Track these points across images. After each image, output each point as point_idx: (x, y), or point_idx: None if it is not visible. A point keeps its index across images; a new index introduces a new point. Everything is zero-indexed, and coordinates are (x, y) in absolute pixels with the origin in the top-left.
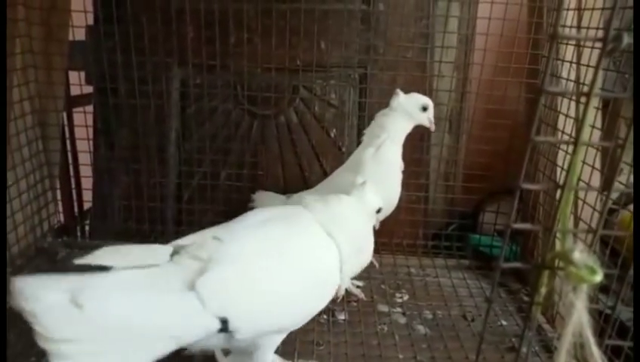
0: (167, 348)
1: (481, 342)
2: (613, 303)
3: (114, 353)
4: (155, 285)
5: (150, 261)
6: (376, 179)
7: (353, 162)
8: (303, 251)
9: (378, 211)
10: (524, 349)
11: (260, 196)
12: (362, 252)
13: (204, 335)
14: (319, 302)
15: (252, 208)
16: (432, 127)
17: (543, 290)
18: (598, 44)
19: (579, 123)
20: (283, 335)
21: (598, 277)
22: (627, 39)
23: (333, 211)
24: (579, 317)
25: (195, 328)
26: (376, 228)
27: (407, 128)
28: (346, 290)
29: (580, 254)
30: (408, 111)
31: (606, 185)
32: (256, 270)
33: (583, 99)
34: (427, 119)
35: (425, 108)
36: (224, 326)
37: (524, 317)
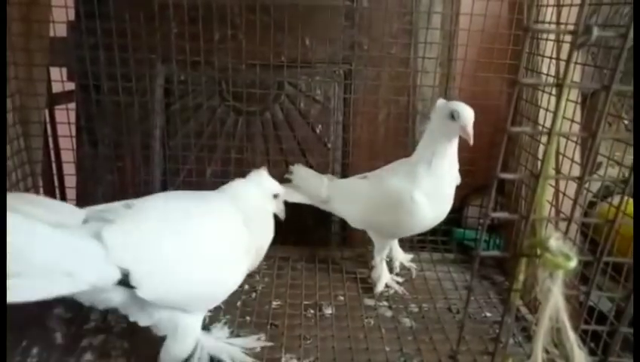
0: (64, 286)
1: (461, 330)
2: (595, 292)
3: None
4: (64, 230)
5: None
6: (430, 192)
7: (406, 170)
8: (219, 236)
9: (275, 196)
10: (503, 336)
11: (299, 170)
12: (257, 234)
13: (103, 282)
14: (223, 276)
15: (289, 180)
16: (470, 140)
17: (521, 278)
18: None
19: (554, 114)
20: (195, 317)
21: (573, 263)
22: (596, 32)
23: (236, 192)
24: (555, 302)
25: (93, 271)
26: (282, 218)
27: (445, 139)
28: (386, 284)
29: (555, 242)
30: (440, 121)
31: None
32: (164, 231)
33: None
34: (460, 128)
35: (453, 116)
36: (125, 278)
37: (504, 304)
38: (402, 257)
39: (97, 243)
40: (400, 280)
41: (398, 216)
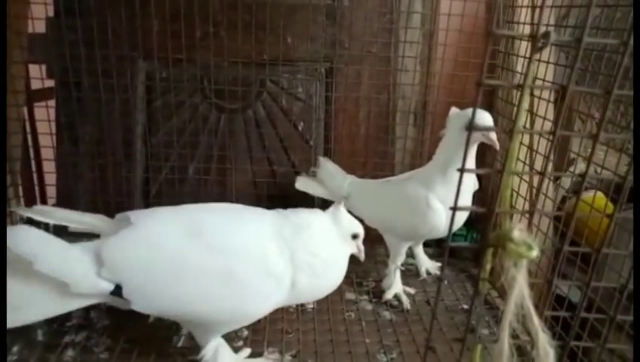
0: (61, 302)
1: (433, 317)
2: (573, 282)
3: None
4: (74, 244)
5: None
6: (445, 199)
7: (423, 177)
8: (230, 248)
9: (354, 237)
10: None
11: (326, 164)
12: (324, 273)
13: (98, 293)
14: (237, 306)
15: (314, 173)
16: (496, 145)
17: (488, 267)
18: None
19: (520, 112)
20: (212, 331)
21: (535, 253)
22: (554, 36)
23: (301, 219)
24: (520, 289)
25: (88, 282)
26: (361, 259)
27: (461, 149)
28: (396, 295)
29: (518, 233)
30: (455, 132)
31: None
32: (166, 249)
33: (537, 92)
34: (483, 136)
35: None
36: (118, 291)
37: (473, 292)
38: (429, 264)
39: (93, 257)
40: (412, 291)
41: (414, 221)
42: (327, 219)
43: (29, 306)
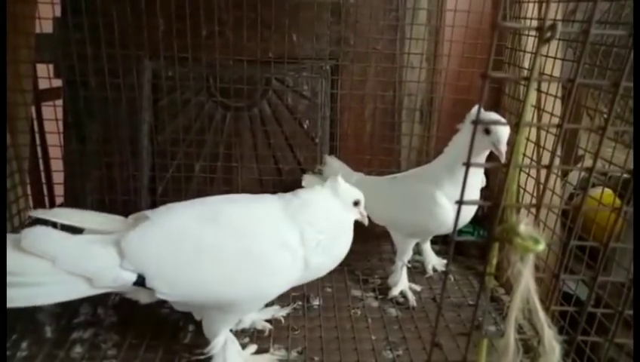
0: (84, 288)
1: (439, 311)
2: (577, 282)
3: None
4: (87, 237)
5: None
6: (452, 196)
7: (431, 174)
8: (245, 228)
9: (356, 204)
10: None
11: (332, 161)
12: (333, 248)
13: (121, 285)
14: (256, 283)
15: (320, 171)
16: (502, 158)
17: (494, 261)
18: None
19: (524, 105)
20: (228, 316)
21: (541, 247)
22: (560, 28)
23: (302, 198)
24: (526, 283)
25: (110, 275)
26: (365, 223)
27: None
28: (402, 292)
29: (525, 227)
30: (469, 128)
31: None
32: (184, 235)
33: (544, 87)
34: (491, 144)
35: (487, 130)
36: (140, 280)
37: (480, 287)
38: (436, 261)
39: (114, 249)
40: (418, 289)
41: (421, 217)
42: (327, 192)
43: (50, 285)
